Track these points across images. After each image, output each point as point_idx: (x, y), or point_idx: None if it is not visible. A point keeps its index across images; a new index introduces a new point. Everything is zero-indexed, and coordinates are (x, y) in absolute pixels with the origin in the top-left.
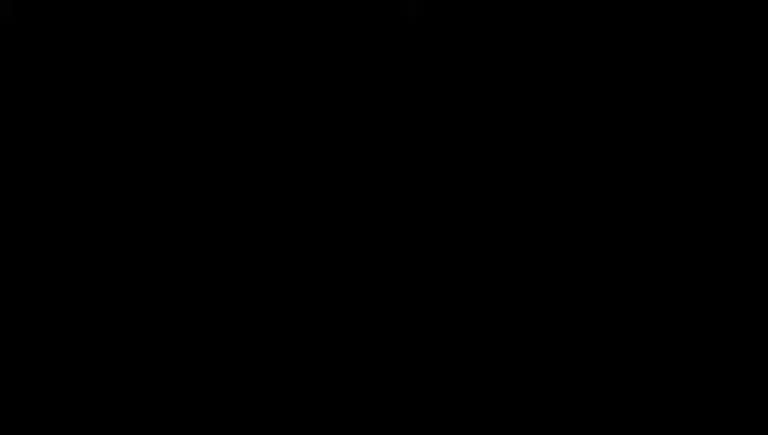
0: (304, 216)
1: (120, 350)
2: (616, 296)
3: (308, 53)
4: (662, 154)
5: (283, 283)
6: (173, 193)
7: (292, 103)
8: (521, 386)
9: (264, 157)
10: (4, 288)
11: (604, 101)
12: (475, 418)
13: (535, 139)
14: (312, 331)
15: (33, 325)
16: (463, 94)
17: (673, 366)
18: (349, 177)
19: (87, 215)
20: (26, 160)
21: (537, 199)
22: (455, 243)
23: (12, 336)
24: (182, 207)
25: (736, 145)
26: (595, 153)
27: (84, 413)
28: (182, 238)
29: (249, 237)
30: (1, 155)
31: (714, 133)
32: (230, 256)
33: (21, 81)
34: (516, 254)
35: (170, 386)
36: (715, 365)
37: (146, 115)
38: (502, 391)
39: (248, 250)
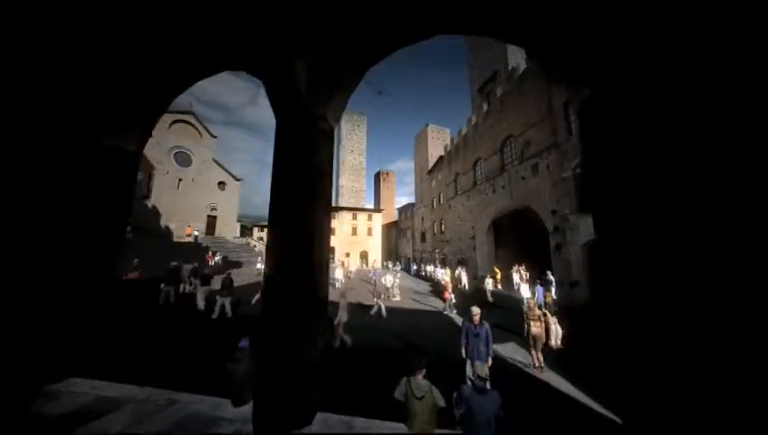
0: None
1: None
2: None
3: (308, 51)
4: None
5: None
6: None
7: (289, 101)
8: None
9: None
10: None
11: (609, 98)
12: None
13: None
14: None
15: None
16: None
17: None
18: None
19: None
20: (26, 157)
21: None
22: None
23: None
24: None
25: None
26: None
27: None
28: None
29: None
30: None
31: None
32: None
33: (21, 80)
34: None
35: None
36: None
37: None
38: None
39: None
